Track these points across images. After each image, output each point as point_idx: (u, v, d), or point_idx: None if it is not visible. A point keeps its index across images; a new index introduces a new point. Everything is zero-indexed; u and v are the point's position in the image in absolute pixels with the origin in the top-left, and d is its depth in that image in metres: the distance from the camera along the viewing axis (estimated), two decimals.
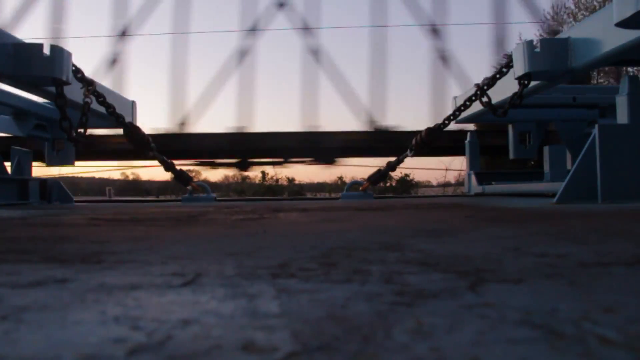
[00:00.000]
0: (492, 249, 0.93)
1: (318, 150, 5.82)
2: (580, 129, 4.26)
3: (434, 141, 3.70)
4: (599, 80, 10.41)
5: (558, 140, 4.47)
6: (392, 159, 3.93)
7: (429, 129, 3.69)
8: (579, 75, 2.95)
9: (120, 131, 3.79)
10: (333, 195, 11.94)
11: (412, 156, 3.81)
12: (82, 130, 2.95)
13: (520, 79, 2.84)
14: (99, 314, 0.49)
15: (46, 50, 2.51)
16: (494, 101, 3.25)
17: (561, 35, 2.72)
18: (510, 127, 4.66)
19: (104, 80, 5.50)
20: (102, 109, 3.28)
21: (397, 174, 14.13)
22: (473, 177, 4.73)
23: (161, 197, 8.34)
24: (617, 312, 0.48)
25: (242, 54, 6.80)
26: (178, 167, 4.02)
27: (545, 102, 4.17)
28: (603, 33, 2.25)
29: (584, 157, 2.52)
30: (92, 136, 5.20)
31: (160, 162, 3.89)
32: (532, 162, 6.76)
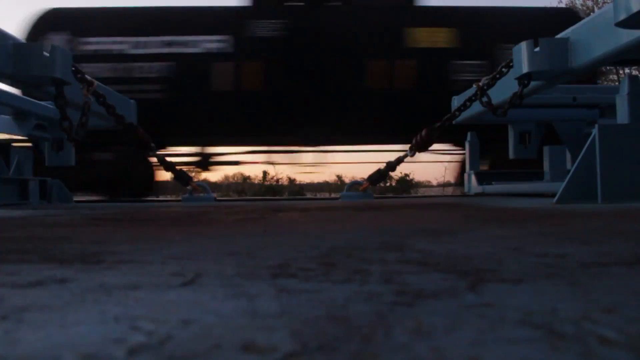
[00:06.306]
0: (492, 249, 0.93)
1: None
2: (580, 129, 4.26)
3: (434, 140, 3.70)
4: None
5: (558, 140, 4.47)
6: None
7: (428, 129, 3.69)
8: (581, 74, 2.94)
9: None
10: (333, 195, 11.94)
11: (411, 156, 3.82)
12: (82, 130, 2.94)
13: (520, 79, 2.84)
14: (98, 313, 0.49)
15: (46, 50, 2.51)
16: (494, 101, 3.25)
17: (561, 35, 2.72)
18: (510, 127, 4.66)
19: None
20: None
21: (396, 173, 14.08)
22: (473, 177, 4.72)
23: (161, 197, 8.36)
24: (617, 312, 0.48)
25: None
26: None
27: (545, 102, 4.17)
28: (603, 33, 2.25)
29: (584, 157, 2.52)
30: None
31: (160, 162, 3.89)
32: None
